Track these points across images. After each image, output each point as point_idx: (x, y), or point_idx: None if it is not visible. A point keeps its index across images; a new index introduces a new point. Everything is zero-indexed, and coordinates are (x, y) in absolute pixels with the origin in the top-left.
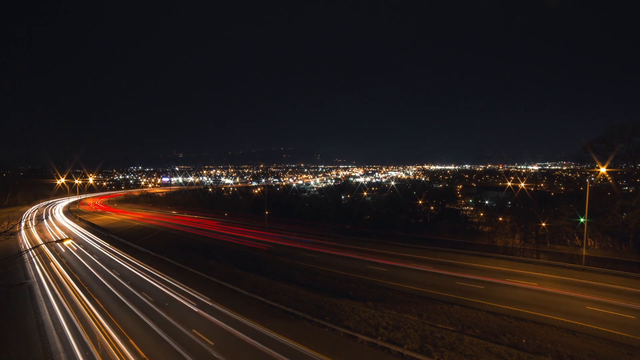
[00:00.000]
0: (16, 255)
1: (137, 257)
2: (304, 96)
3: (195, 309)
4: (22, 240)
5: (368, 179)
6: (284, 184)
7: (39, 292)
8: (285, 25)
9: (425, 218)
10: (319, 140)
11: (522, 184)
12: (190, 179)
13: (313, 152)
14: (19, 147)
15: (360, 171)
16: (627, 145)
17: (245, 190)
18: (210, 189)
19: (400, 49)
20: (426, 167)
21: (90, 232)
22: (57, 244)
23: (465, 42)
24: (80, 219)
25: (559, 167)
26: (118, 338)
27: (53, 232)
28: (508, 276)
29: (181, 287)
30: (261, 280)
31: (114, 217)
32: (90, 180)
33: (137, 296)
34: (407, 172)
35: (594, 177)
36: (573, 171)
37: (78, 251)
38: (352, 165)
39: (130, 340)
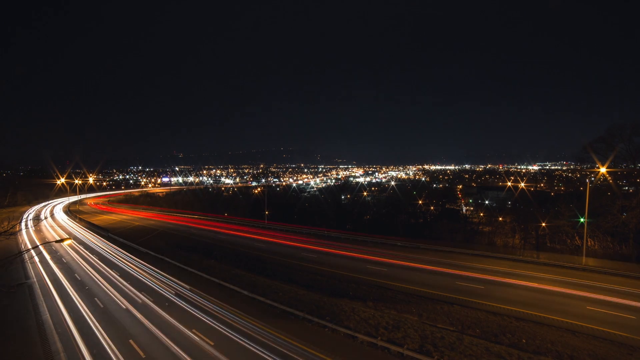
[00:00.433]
0: (16, 255)
1: (137, 257)
2: (304, 96)
3: (196, 309)
4: (22, 240)
5: (368, 179)
6: (284, 184)
7: (39, 292)
8: (285, 25)
9: (425, 218)
10: (319, 140)
11: (522, 184)
12: (190, 179)
13: (313, 152)
14: (19, 147)
15: (360, 171)
16: (627, 145)
17: (245, 190)
18: (210, 189)
19: (401, 48)
20: (426, 167)
21: (90, 232)
22: (57, 244)
23: (465, 42)
24: (80, 219)
25: (559, 167)
26: (118, 338)
27: (53, 232)
28: (508, 276)
29: (181, 287)
30: (261, 280)
31: (114, 217)
32: (90, 180)
33: (137, 296)
34: (407, 172)
35: (594, 177)
36: (573, 171)
37: (78, 251)
38: (352, 165)
39: (130, 340)
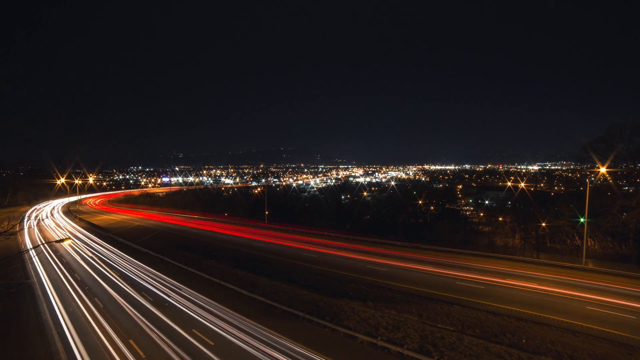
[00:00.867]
0: (16, 255)
1: (137, 257)
2: (304, 96)
3: (195, 309)
4: (22, 240)
5: (368, 179)
6: (284, 184)
7: (39, 292)
8: (285, 25)
9: (425, 218)
10: (319, 140)
11: (522, 184)
12: (190, 179)
13: (313, 152)
14: (19, 147)
15: (360, 171)
16: (627, 145)
17: (245, 190)
18: (210, 189)
19: (401, 48)
20: (426, 167)
21: (90, 232)
22: (57, 244)
23: (465, 42)
24: (80, 219)
25: (559, 167)
26: (118, 338)
27: (53, 232)
28: (508, 276)
29: (181, 287)
30: (261, 281)
31: (114, 217)
32: (90, 180)
33: (137, 296)
34: (407, 172)
35: (594, 177)
36: (573, 171)
37: (78, 251)
38: (352, 165)
39: (130, 340)
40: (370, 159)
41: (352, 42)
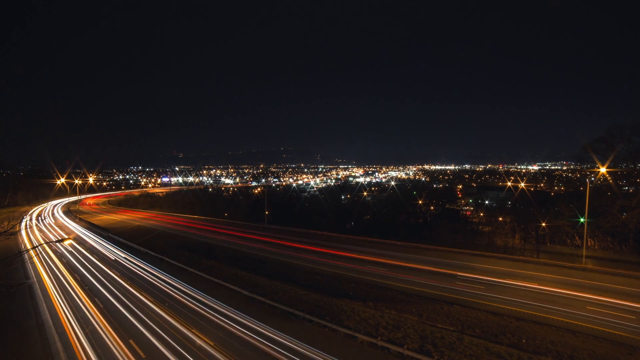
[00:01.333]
0: (16, 255)
1: (137, 257)
2: (304, 96)
3: (196, 309)
4: (22, 240)
5: (368, 179)
6: (284, 184)
7: (39, 292)
8: (285, 26)
9: (425, 218)
10: (319, 140)
11: (522, 184)
12: (190, 179)
13: (313, 152)
14: (19, 147)
15: (360, 171)
16: (627, 145)
17: (245, 190)
18: (210, 189)
19: (401, 49)
20: (426, 167)
21: (90, 232)
22: (57, 243)
23: (465, 42)
24: (80, 219)
25: (559, 167)
26: (118, 338)
27: (53, 232)
28: (508, 276)
29: (181, 287)
30: (261, 281)
31: (114, 217)
32: (90, 180)
33: (137, 296)
34: (407, 172)
35: (594, 177)
36: (573, 171)
37: (78, 251)
38: (352, 165)
39: (130, 340)
40: (370, 159)
41: (352, 42)
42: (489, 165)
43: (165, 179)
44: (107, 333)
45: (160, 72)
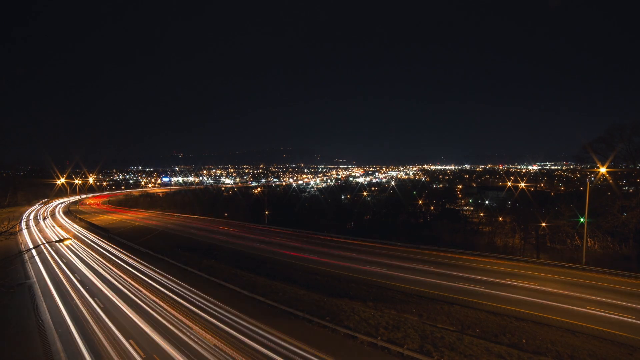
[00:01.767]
0: (16, 255)
1: (137, 257)
2: (304, 97)
3: (196, 309)
4: (22, 240)
5: (368, 179)
6: (284, 184)
7: (39, 292)
8: (285, 26)
9: (425, 218)
10: (319, 140)
11: (522, 184)
12: (190, 179)
13: (313, 152)
14: (19, 147)
15: (360, 171)
16: (627, 145)
17: (245, 190)
18: (210, 189)
19: (400, 49)
20: (426, 167)
21: (90, 232)
22: (57, 243)
23: (465, 42)
24: (80, 219)
25: (559, 167)
26: (118, 338)
27: (53, 232)
28: (508, 276)
29: (181, 287)
30: (261, 280)
31: (114, 217)
32: (90, 180)
33: (137, 296)
34: (407, 172)
35: (594, 177)
36: (573, 171)
37: (78, 251)
38: (352, 165)
39: (130, 340)
40: (370, 159)
41: (352, 42)
42: (489, 165)
43: (166, 179)
44: (107, 333)
45: (161, 72)
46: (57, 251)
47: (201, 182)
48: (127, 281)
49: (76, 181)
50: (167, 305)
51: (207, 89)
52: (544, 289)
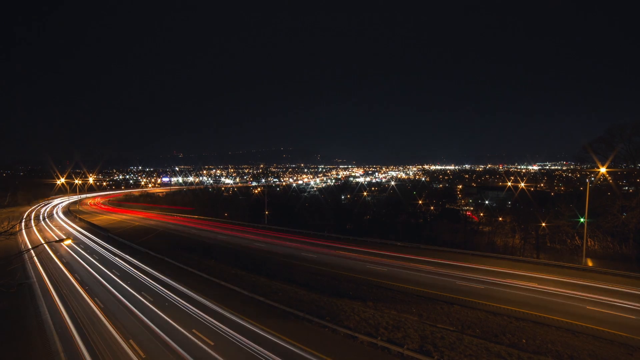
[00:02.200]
0: (16, 255)
1: (137, 257)
2: (304, 97)
3: (196, 309)
4: (22, 240)
5: (368, 179)
6: (284, 184)
7: (39, 292)
8: (286, 27)
9: (425, 218)
10: (319, 140)
11: (522, 184)
12: (190, 179)
13: (313, 152)
14: (19, 147)
15: (360, 171)
16: (627, 145)
17: (245, 190)
18: (210, 189)
19: (400, 50)
20: (426, 167)
21: (90, 232)
22: (57, 244)
23: (465, 43)
24: (80, 219)
25: (559, 167)
26: (118, 338)
27: (53, 232)
28: (508, 276)
29: (181, 287)
30: (261, 281)
31: (114, 217)
32: (90, 180)
33: (137, 296)
34: (407, 172)
35: (594, 177)
36: (573, 171)
37: (78, 251)
38: (352, 165)
39: (130, 339)
40: (370, 159)
41: (352, 43)
42: (489, 165)
43: (166, 179)
44: (107, 333)
45: (161, 72)
46: (56, 251)
47: (201, 182)
48: (127, 281)
49: (76, 181)
50: (168, 305)
51: (207, 89)
52: (544, 289)
